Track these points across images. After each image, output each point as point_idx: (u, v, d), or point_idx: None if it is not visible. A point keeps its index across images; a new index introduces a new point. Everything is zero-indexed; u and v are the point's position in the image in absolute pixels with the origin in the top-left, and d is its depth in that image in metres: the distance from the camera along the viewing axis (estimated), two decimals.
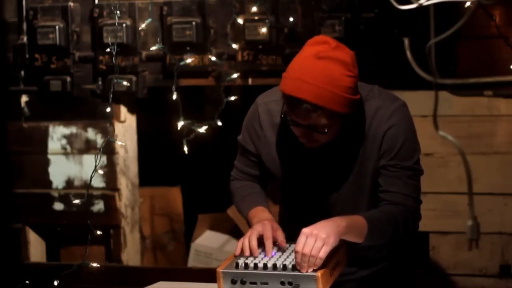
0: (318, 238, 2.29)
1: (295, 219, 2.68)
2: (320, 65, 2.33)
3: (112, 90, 3.14)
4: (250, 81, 4.07)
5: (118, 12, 3.24)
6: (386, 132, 2.50)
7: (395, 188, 2.50)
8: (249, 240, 2.43)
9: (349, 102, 2.37)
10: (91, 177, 3.10)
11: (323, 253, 2.29)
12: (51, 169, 4.37)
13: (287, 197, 2.75)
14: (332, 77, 2.33)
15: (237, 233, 4.69)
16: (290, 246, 2.51)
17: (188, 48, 4.05)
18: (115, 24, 3.94)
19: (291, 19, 3.92)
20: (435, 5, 3.64)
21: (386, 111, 2.51)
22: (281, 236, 2.48)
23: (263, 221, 2.48)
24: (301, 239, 2.31)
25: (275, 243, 2.50)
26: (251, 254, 2.42)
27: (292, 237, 2.52)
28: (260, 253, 2.44)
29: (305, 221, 2.44)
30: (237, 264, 2.38)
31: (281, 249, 2.49)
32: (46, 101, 4.33)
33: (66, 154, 4.34)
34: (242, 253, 2.44)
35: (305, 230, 2.32)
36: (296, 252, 2.30)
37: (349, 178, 2.56)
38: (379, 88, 2.59)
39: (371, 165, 2.53)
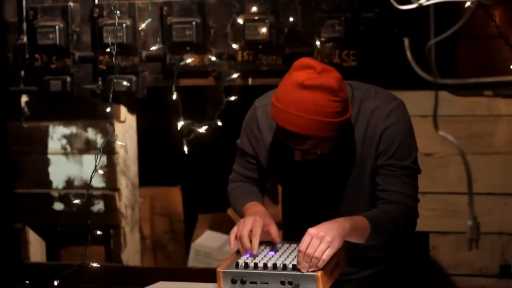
0: (323, 240, 2.30)
1: (297, 219, 2.69)
2: (305, 96, 2.33)
3: (112, 90, 3.14)
4: (250, 81, 4.07)
5: (118, 12, 3.24)
6: (383, 132, 2.50)
7: (393, 187, 2.51)
8: (241, 234, 2.43)
9: (338, 125, 2.39)
10: (91, 177, 3.10)
11: (326, 255, 2.30)
12: (51, 169, 4.37)
13: (288, 198, 2.76)
14: (319, 105, 2.33)
15: None
16: (290, 245, 2.51)
17: (188, 48, 4.05)
18: (115, 24, 3.94)
19: (291, 19, 3.92)
20: (435, 5, 3.63)
21: (383, 111, 2.51)
22: (274, 231, 2.48)
23: (255, 216, 2.47)
24: (306, 239, 2.31)
25: (273, 244, 2.50)
26: (244, 248, 2.42)
27: (294, 237, 2.52)
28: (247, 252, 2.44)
29: (306, 221, 2.44)
30: (237, 264, 2.38)
31: (280, 250, 2.49)
32: (46, 101, 4.33)
33: (66, 154, 4.34)
34: (237, 251, 2.45)
35: (311, 231, 2.32)
36: (299, 251, 2.30)
37: (348, 179, 2.57)
38: (376, 88, 2.59)
39: (369, 165, 2.54)
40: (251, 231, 2.43)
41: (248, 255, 2.41)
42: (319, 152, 2.45)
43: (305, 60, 2.40)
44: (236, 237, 2.44)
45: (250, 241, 2.42)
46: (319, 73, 2.35)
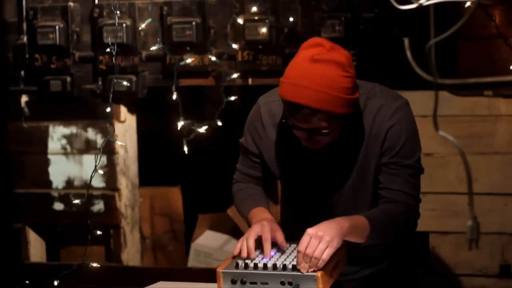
0: (322, 240, 2.29)
1: (297, 218, 2.69)
2: (316, 69, 2.33)
3: (112, 90, 3.14)
4: (250, 81, 4.07)
5: (118, 12, 3.23)
6: (388, 130, 2.50)
7: (395, 186, 2.51)
8: (247, 241, 2.42)
9: (348, 102, 2.38)
10: (91, 177, 3.10)
11: (326, 255, 2.29)
12: (51, 169, 4.37)
13: (289, 197, 2.76)
14: (329, 79, 2.33)
15: (237, 233, 4.70)
16: (290, 246, 2.51)
17: (188, 48, 4.05)
18: (115, 24, 3.94)
19: (291, 19, 3.92)
20: (435, 5, 3.65)
21: (389, 109, 2.52)
22: (280, 237, 2.47)
23: (262, 222, 2.47)
24: (305, 239, 2.30)
25: (274, 244, 2.50)
26: (248, 256, 2.42)
27: (293, 236, 2.52)
28: (258, 256, 2.44)
29: (307, 220, 2.44)
30: (237, 264, 2.38)
31: (281, 250, 2.49)
32: (46, 101, 4.33)
33: (66, 154, 4.35)
34: (240, 254, 2.44)
35: (310, 231, 2.31)
36: (298, 251, 2.30)
37: (352, 176, 2.57)
38: (380, 87, 2.59)
39: (373, 163, 2.54)
40: (259, 236, 2.43)
41: (263, 259, 2.41)
42: (326, 132, 2.41)
43: (313, 39, 2.41)
44: (242, 247, 2.44)
45: (257, 247, 2.43)
46: (328, 50, 2.36)
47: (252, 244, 2.41)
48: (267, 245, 2.42)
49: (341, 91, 2.35)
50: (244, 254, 2.41)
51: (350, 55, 2.40)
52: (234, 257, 2.46)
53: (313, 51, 2.35)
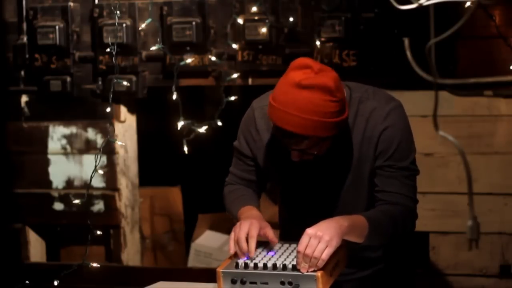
0: (321, 240, 2.29)
1: (294, 219, 2.69)
2: (302, 95, 2.34)
3: (112, 90, 3.14)
4: (250, 81, 4.07)
5: (118, 12, 3.23)
6: (381, 133, 2.50)
7: (392, 188, 2.51)
8: (239, 243, 2.42)
9: (335, 125, 2.39)
10: (91, 177, 3.10)
11: (325, 255, 2.29)
12: (51, 169, 4.37)
13: (286, 199, 2.76)
14: (316, 105, 2.34)
15: None
16: (290, 245, 2.51)
17: (188, 48, 4.06)
18: (115, 24, 3.94)
19: (291, 19, 3.92)
20: (435, 5, 3.65)
21: (381, 112, 2.52)
22: (270, 233, 2.47)
23: (251, 219, 2.47)
24: (304, 239, 2.31)
25: (267, 243, 2.50)
26: (242, 251, 2.41)
27: (291, 237, 2.52)
28: (257, 255, 2.44)
29: (304, 221, 2.44)
30: (237, 264, 2.38)
31: (280, 249, 2.49)
32: (46, 101, 4.33)
33: (66, 154, 4.35)
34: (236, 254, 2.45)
35: (309, 231, 2.31)
36: (298, 252, 2.30)
37: (347, 179, 2.57)
38: (374, 89, 2.59)
39: (368, 166, 2.54)
40: (248, 234, 2.43)
41: (245, 258, 2.41)
42: (316, 152, 2.45)
43: (302, 60, 2.40)
44: (234, 241, 2.44)
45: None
46: (316, 73, 2.36)
47: (245, 245, 2.41)
48: (252, 242, 2.42)
49: (328, 116, 2.35)
50: (240, 255, 2.41)
51: (337, 76, 2.39)
52: (233, 257, 2.46)
53: (300, 75, 2.35)
